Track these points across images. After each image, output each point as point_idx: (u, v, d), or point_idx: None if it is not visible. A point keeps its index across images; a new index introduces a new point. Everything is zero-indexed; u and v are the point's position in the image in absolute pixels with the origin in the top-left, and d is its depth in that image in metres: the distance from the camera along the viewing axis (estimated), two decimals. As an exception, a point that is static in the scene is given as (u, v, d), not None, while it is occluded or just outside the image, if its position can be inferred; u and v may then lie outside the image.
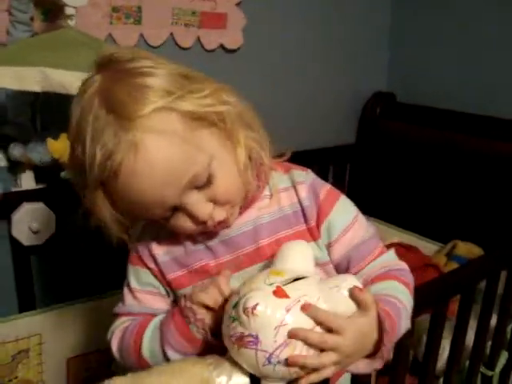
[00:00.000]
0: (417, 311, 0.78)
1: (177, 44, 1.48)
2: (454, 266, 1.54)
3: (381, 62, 2.01)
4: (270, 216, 0.78)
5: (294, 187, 0.79)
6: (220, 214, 0.72)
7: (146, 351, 0.77)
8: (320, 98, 1.87)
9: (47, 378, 1.36)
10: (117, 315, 0.84)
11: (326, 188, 0.80)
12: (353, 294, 0.63)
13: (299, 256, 0.69)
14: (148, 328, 0.78)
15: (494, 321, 1.17)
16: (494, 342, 1.19)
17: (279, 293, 0.62)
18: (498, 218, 1.63)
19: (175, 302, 0.81)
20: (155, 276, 0.81)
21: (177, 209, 0.71)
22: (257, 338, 0.60)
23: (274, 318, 0.60)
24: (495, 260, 1.08)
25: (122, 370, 1.37)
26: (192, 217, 0.71)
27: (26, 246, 1.29)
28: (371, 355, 0.68)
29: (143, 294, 0.82)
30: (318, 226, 0.78)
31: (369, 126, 1.97)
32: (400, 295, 0.73)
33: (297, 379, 0.63)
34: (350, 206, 0.81)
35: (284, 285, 0.63)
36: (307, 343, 0.61)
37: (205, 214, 0.71)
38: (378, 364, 0.68)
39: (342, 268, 0.79)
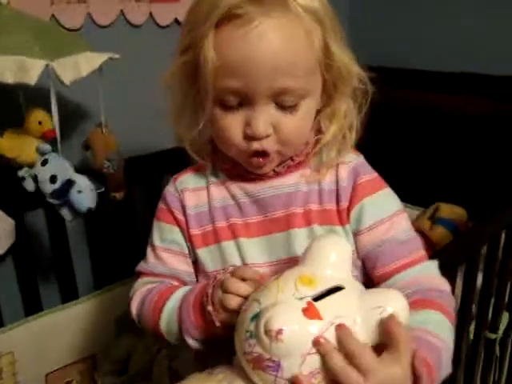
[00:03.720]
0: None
1: (128, 22, 1.35)
2: (439, 229, 1.50)
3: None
4: (308, 186, 0.76)
5: (337, 166, 0.76)
6: (270, 145, 0.69)
7: (163, 327, 0.75)
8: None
9: (25, 399, 1.25)
10: (139, 273, 0.83)
11: (369, 175, 0.76)
12: (387, 326, 0.52)
13: (335, 255, 0.58)
14: (167, 305, 0.74)
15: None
16: (495, 304, 1.15)
17: (310, 312, 0.52)
18: (476, 177, 1.59)
19: (195, 263, 0.79)
20: (181, 229, 0.79)
21: (243, 107, 0.67)
22: (279, 365, 0.51)
23: (302, 345, 0.51)
24: (496, 223, 1.04)
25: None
26: (248, 125, 0.67)
27: (-15, 258, 1.16)
28: None
29: (165, 252, 0.80)
30: (348, 209, 0.73)
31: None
32: (442, 333, 0.63)
33: None
34: (393, 199, 0.76)
35: (316, 300, 0.53)
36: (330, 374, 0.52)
37: (262, 132, 0.67)
38: None
39: (367, 266, 0.73)
